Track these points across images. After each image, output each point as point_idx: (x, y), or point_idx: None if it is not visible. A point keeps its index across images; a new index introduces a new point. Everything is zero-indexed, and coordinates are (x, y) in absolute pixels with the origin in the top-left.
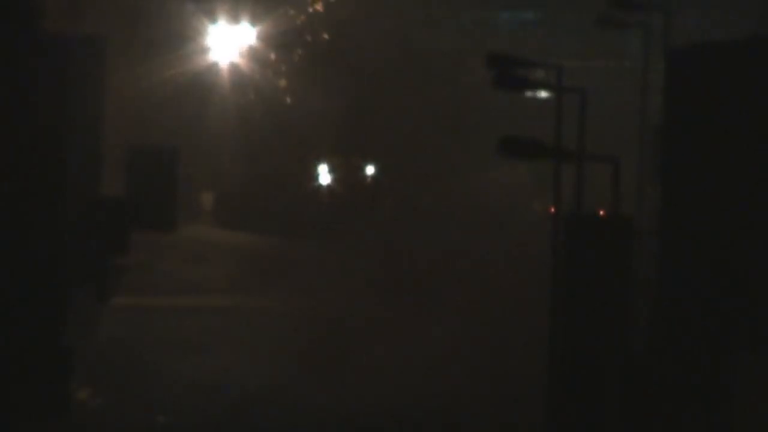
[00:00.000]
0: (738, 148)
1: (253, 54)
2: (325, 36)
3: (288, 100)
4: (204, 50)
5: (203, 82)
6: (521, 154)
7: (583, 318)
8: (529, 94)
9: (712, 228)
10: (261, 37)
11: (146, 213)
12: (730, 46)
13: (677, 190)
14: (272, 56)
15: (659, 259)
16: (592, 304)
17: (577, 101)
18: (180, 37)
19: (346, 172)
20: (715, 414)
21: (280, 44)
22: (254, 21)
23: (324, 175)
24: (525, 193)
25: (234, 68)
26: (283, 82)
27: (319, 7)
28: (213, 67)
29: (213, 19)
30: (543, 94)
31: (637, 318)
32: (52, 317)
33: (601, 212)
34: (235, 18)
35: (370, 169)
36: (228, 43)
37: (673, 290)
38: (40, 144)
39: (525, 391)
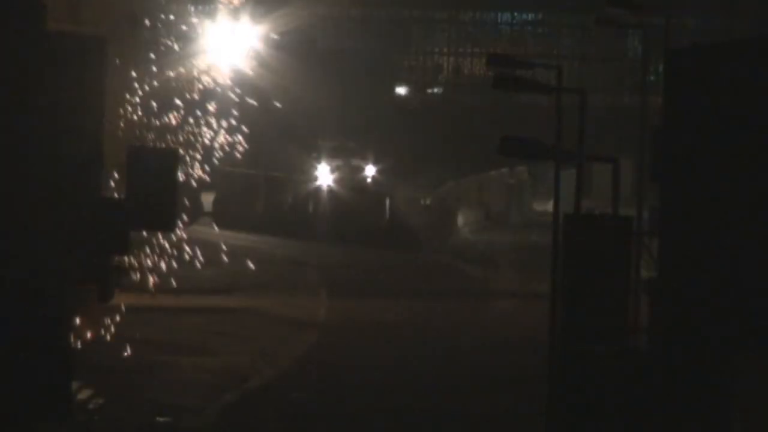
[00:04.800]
0: (738, 149)
1: (253, 54)
2: (325, 37)
3: (288, 100)
4: (204, 51)
5: (203, 82)
6: (521, 154)
7: (583, 318)
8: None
9: (711, 228)
10: (261, 38)
11: (146, 213)
12: (730, 47)
13: (676, 190)
14: (272, 57)
15: (659, 259)
16: (592, 304)
17: (576, 101)
18: (180, 38)
19: (346, 173)
20: (716, 414)
21: (280, 45)
22: (254, 21)
23: (324, 176)
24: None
25: (234, 69)
26: (283, 83)
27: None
28: (213, 68)
29: (213, 20)
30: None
31: (637, 318)
32: (52, 317)
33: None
34: (235, 18)
35: (370, 170)
36: (228, 44)
37: (673, 290)
38: (40, 144)
39: None
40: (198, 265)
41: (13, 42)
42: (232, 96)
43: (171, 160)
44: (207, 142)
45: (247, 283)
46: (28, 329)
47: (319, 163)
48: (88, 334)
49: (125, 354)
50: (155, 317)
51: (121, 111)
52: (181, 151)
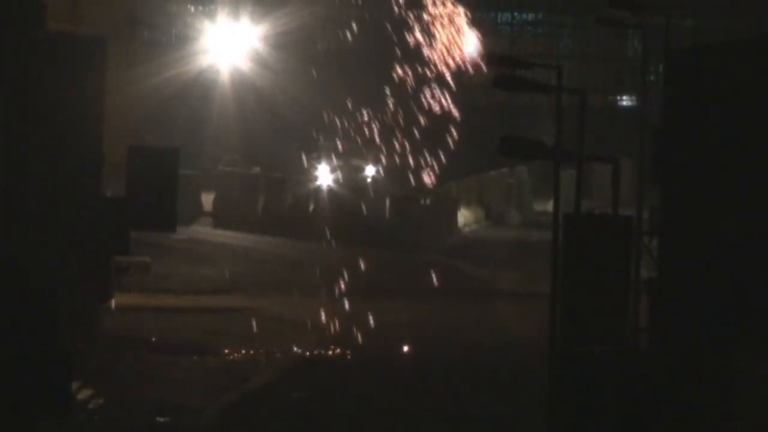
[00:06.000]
0: (738, 149)
1: (253, 55)
2: (325, 37)
3: (288, 100)
4: (204, 51)
5: (203, 82)
6: (521, 154)
7: (583, 318)
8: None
9: (711, 228)
10: (261, 38)
11: (146, 213)
12: (730, 47)
13: (676, 190)
14: (272, 57)
15: (659, 259)
16: (592, 304)
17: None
18: (181, 38)
19: (346, 173)
20: (716, 414)
21: (280, 45)
22: (254, 22)
23: (324, 176)
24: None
25: (234, 69)
26: (282, 83)
27: (318, 8)
28: (213, 68)
29: (213, 20)
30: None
31: (637, 318)
32: (52, 317)
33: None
34: (235, 19)
35: (370, 170)
36: (228, 44)
37: (673, 290)
38: (40, 144)
39: None
40: (197, 265)
41: (13, 42)
42: (232, 95)
43: (172, 159)
44: (207, 140)
45: (247, 283)
46: (28, 329)
47: (319, 163)
48: (88, 334)
49: (125, 354)
50: (155, 317)
51: (122, 110)
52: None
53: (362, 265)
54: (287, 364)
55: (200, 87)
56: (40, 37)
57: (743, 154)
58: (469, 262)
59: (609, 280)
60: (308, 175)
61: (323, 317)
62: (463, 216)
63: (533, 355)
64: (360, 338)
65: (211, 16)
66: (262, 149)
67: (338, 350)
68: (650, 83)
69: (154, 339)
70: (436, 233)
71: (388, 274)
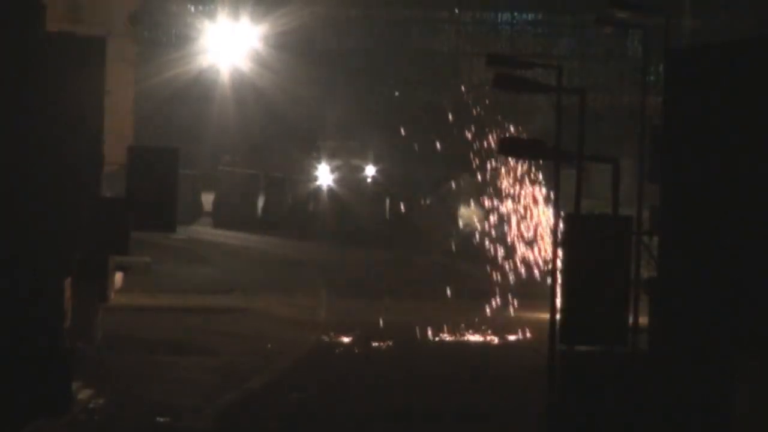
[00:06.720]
0: (738, 149)
1: (253, 54)
2: (325, 37)
3: (288, 100)
4: (204, 51)
5: (203, 82)
6: (521, 154)
7: (583, 318)
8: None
9: (711, 228)
10: (261, 38)
11: (146, 213)
12: (730, 47)
13: (676, 190)
14: (272, 57)
15: (659, 259)
16: (592, 304)
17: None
18: (181, 38)
19: (346, 173)
20: (716, 414)
21: (280, 45)
22: (254, 22)
23: (324, 176)
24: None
25: (234, 69)
26: (283, 83)
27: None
28: (213, 68)
29: (213, 20)
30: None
31: (637, 318)
32: (52, 317)
33: None
34: (235, 19)
35: (370, 170)
36: (228, 44)
37: (673, 290)
38: (40, 144)
39: None
40: (197, 265)
41: (13, 42)
42: (232, 95)
43: (171, 159)
44: (207, 140)
45: (247, 283)
46: (27, 329)
47: (319, 163)
48: (87, 334)
49: (125, 354)
50: (155, 317)
51: (122, 110)
52: None
53: (362, 266)
54: (287, 364)
55: (200, 87)
56: (40, 37)
57: (743, 154)
58: (469, 262)
59: (609, 280)
60: (308, 175)
61: (323, 317)
62: (463, 216)
63: (533, 355)
64: (360, 338)
65: (211, 16)
66: (262, 149)
67: (338, 350)
68: (650, 83)
69: (154, 339)
70: (437, 233)
71: (388, 274)
